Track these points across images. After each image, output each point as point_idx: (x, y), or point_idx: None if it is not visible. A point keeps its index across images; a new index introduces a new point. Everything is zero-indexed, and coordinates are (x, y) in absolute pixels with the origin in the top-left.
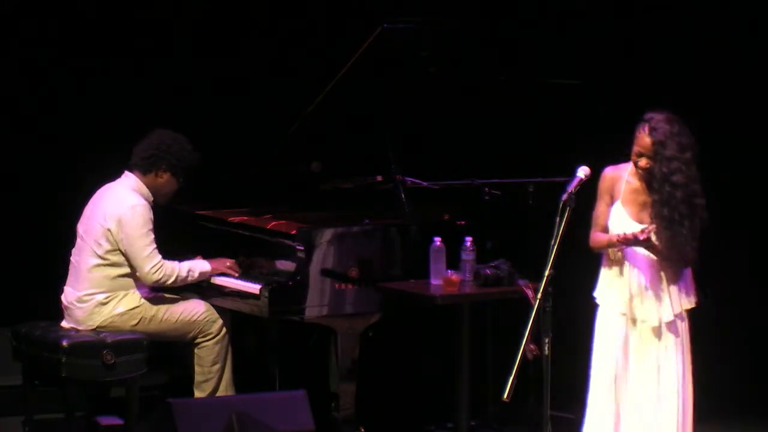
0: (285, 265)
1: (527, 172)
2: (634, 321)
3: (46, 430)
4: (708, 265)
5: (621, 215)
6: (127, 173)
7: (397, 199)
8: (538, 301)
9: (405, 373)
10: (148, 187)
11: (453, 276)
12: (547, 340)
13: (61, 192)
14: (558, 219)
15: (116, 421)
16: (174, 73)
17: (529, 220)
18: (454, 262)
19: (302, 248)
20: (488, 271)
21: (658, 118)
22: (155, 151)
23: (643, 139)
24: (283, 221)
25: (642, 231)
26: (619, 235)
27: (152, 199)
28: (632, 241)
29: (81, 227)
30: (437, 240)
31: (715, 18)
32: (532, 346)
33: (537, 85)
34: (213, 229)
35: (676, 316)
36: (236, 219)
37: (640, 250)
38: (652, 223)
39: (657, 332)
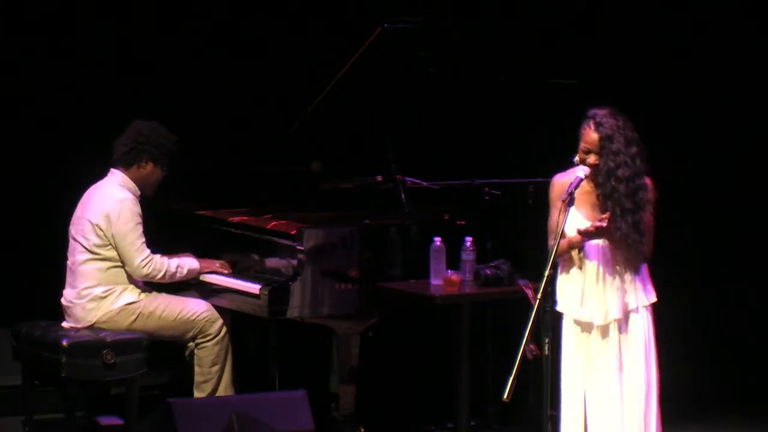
0: (285, 265)
1: (527, 172)
2: (586, 323)
3: (46, 430)
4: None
5: (575, 218)
6: (112, 170)
7: (397, 199)
8: (538, 301)
9: (405, 373)
10: (134, 181)
11: (453, 276)
12: (547, 340)
13: (61, 192)
14: (558, 219)
15: (116, 421)
16: (173, 73)
17: (529, 220)
18: (454, 262)
19: (302, 248)
20: (488, 271)
21: (602, 113)
22: (133, 144)
23: (590, 135)
24: (283, 221)
25: (601, 219)
26: (579, 231)
27: (140, 193)
28: (593, 233)
29: (72, 228)
30: (437, 240)
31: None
32: (532, 346)
33: (537, 85)
34: (213, 228)
35: (631, 311)
36: (236, 219)
37: (594, 252)
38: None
39: (605, 331)
